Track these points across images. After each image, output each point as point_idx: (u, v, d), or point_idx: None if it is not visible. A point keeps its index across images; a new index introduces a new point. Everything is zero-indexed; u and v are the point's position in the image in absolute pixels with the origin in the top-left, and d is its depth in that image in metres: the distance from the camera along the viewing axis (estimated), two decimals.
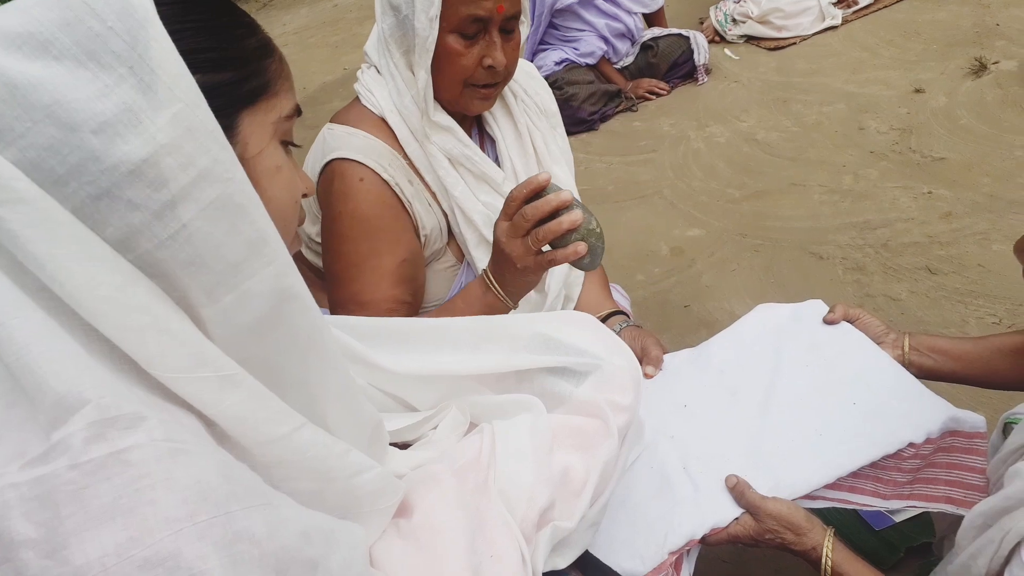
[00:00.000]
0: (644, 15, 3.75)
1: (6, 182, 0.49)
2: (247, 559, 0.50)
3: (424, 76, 1.21)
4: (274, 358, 0.63)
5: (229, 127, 0.62)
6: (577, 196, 1.48)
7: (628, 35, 3.66)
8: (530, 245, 1.06)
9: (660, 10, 3.79)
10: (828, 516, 1.23)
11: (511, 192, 1.07)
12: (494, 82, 1.26)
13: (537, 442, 0.87)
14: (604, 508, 0.91)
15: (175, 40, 0.55)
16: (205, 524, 0.49)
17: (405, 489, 0.78)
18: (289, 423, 0.61)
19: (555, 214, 1.04)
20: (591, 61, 3.58)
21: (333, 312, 1.27)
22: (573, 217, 1.04)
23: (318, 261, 1.38)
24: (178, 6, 0.59)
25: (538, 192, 1.05)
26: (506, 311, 1.18)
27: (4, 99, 0.49)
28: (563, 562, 0.86)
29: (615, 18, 3.57)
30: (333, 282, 1.28)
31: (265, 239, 0.59)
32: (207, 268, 0.56)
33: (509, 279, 1.13)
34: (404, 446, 0.94)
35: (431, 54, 1.19)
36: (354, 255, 1.24)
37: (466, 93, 1.26)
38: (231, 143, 0.60)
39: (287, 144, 0.71)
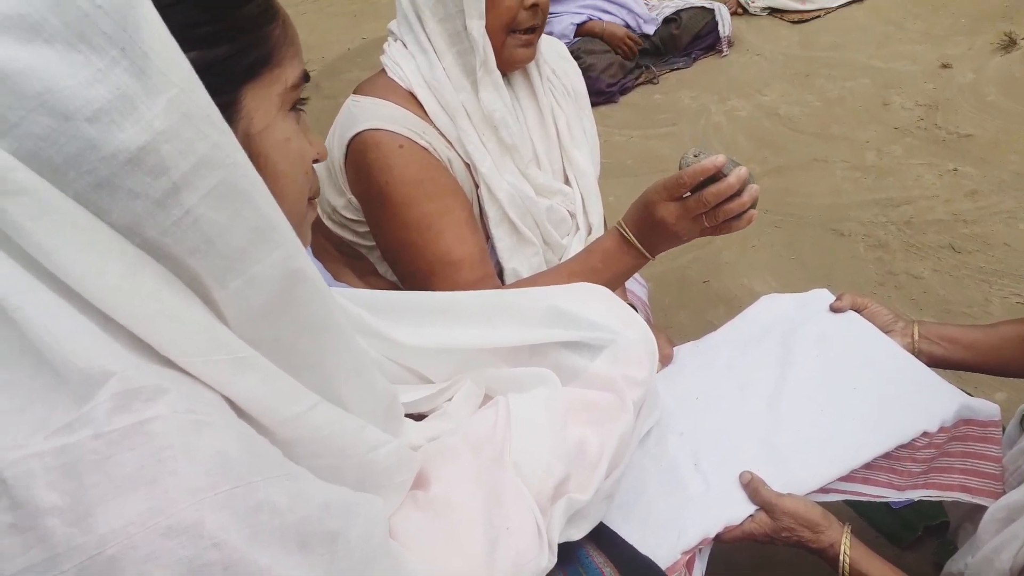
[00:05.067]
0: None
1: (5, 173, 0.48)
2: (268, 529, 0.50)
3: (479, 24, 1.20)
4: (287, 339, 0.62)
5: (231, 104, 0.60)
6: (596, 179, 1.47)
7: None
8: (706, 225, 1.08)
9: None
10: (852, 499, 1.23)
11: (679, 176, 1.05)
12: (535, 25, 1.26)
13: (552, 415, 0.87)
14: (619, 481, 0.91)
15: (167, 16, 0.53)
16: (226, 494, 0.49)
17: (421, 462, 0.78)
18: (303, 402, 0.61)
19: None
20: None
21: (418, 283, 1.24)
22: (753, 193, 1.06)
23: (342, 233, 1.37)
24: None
25: (714, 174, 1.04)
26: (644, 264, 1.19)
27: None
28: (578, 534, 0.86)
29: None
30: (409, 251, 1.23)
31: (271, 224, 0.58)
32: (214, 254, 0.55)
33: (664, 246, 1.15)
34: (419, 417, 0.94)
35: None
36: (425, 218, 1.21)
37: (509, 43, 1.25)
38: (235, 119, 0.59)
39: (296, 109, 0.69)
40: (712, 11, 3.60)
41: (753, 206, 1.08)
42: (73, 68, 0.49)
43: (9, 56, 0.47)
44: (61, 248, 0.49)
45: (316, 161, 0.72)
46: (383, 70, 1.30)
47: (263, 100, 0.63)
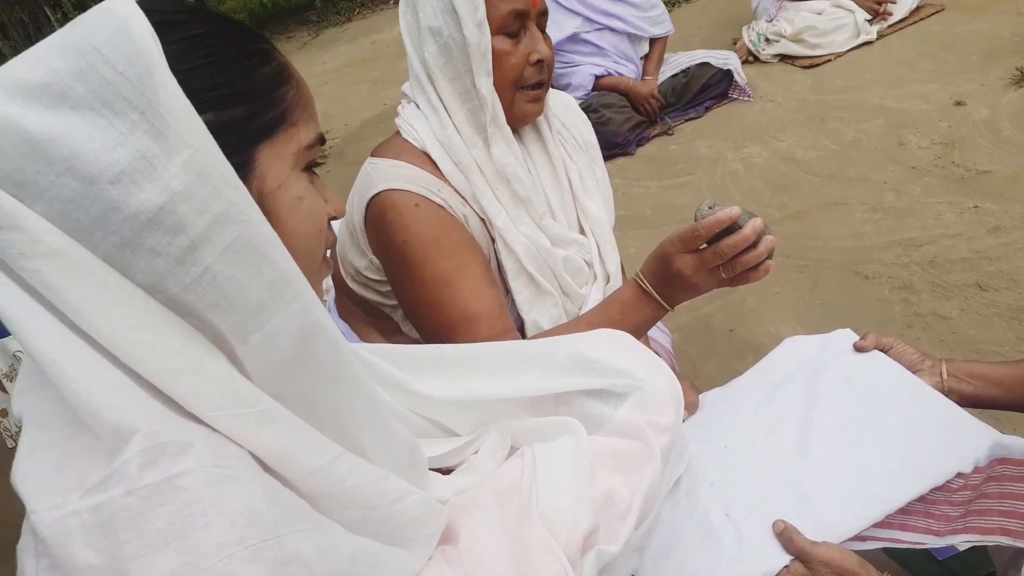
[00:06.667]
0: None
1: (38, 235, 0.50)
2: None
3: (487, 82, 1.24)
4: (307, 390, 0.64)
5: (245, 163, 0.62)
6: (611, 228, 1.49)
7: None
8: (723, 276, 1.09)
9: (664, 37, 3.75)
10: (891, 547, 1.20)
11: (695, 228, 1.06)
12: (541, 80, 1.30)
13: (578, 465, 0.87)
14: (650, 532, 0.90)
15: (184, 79, 0.55)
16: (255, 547, 0.50)
17: (448, 515, 0.78)
18: (327, 454, 0.62)
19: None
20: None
21: (439, 339, 1.24)
22: (769, 244, 1.06)
23: (366, 294, 1.39)
24: (186, 43, 0.59)
25: (729, 226, 1.05)
26: (663, 315, 1.20)
27: (26, 155, 0.50)
28: None
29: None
30: (429, 308, 1.25)
31: (287, 278, 0.59)
32: (233, 309, 0.57)
33: (682, 297, 1.16)
34: (446, 471, 0.94)
35: (489, 57, 1.23)
36: (442, 275, 1.22)
37: (517, 99, 1.29)
38: (248, 179, 0.61)
39: (311, 170, 0.70)
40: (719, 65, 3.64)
41: (770, 256, 1.09)
42: (97, 132, 0.51)
43: (38, 123, 0.50)
44: (91, 306, 0.52)
45: (333, 219, 0.73)
46: (398, 132, 1.34)
47: (277, 159, 0.64)
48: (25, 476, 0.53)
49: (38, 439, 0.55)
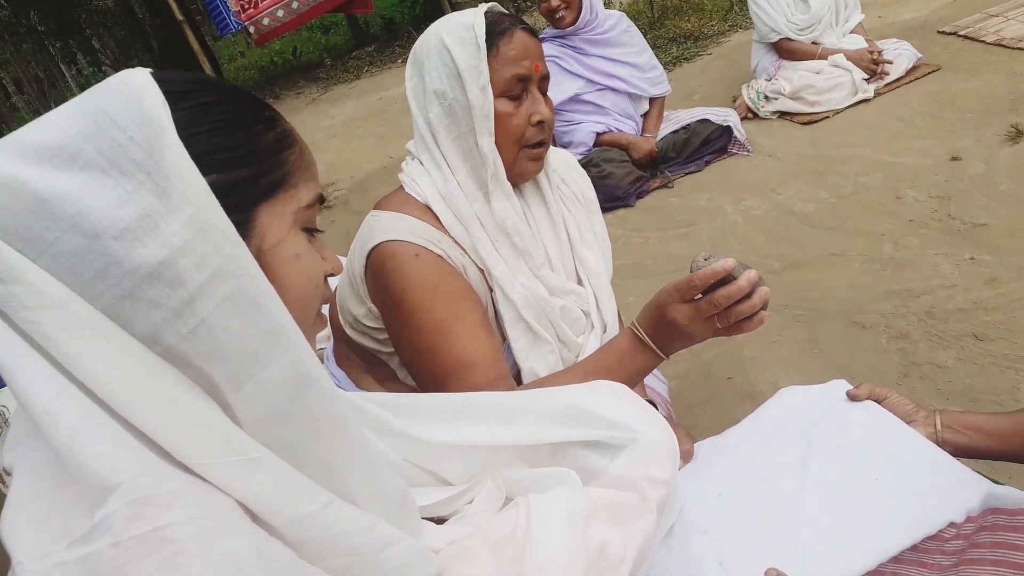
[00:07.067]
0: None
1: (39, 288, 0.53)
2: None
3: (488, 141, 1.28)
4: (298, 438, 0.65)
5: (246, 221, 0.64)
6: (609, 279, 1.52)
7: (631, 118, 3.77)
8: (718, 326, 1.11)
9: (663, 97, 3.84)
10: None
11: (690, 279, 1.10)
12: (542, 140, 1.35)
13: (573, 516, 0.87)
14: None
15: (192, 143, 0.58)
16: None
17: (438, 562, 0.79)
18: (316, 500, 0.63)
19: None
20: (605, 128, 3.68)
21: (434, 386, 1.26)
22: (763, 295, 1.09)
23: (363, 341, 1.41)
24: (196, 110, 0.62)
25: (724, 277, 1.08)
26: (658, 363, 1.22)
27: (33, 211, 0.53)
28: None
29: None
30: (425, 356, 1.27)
31: (280, 329, 0.61)
32: (227, 359, 0.58)
33: (678, 346, 1.18)
34: (440, 521, 0.95)
35: (491, 118, 1.27)
36: (439, 323, 1.25)
37: (520, 157, 1.34)
38: (248, 236, 0.63)
39: (310, 231, 0.72)
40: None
41: (764, 307, 1.11)
42: (104, 191, 0.54)
43: (48, 183, 0.53)
44: (88, 356, 0.53)
45: (330, 275, 0.75)
46: (401, 186, 1.38)
47: (276, 218, 0.67)
48: (12, 527, 0.54)
49: (26, 490, 0.56)
